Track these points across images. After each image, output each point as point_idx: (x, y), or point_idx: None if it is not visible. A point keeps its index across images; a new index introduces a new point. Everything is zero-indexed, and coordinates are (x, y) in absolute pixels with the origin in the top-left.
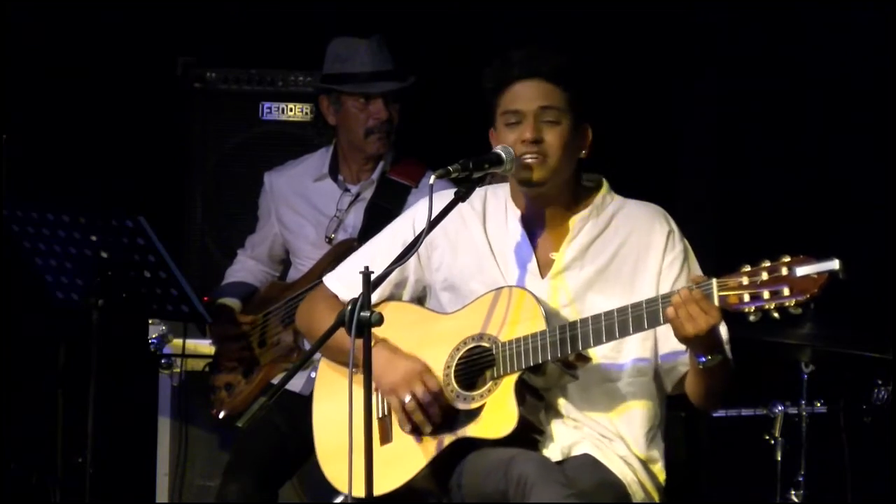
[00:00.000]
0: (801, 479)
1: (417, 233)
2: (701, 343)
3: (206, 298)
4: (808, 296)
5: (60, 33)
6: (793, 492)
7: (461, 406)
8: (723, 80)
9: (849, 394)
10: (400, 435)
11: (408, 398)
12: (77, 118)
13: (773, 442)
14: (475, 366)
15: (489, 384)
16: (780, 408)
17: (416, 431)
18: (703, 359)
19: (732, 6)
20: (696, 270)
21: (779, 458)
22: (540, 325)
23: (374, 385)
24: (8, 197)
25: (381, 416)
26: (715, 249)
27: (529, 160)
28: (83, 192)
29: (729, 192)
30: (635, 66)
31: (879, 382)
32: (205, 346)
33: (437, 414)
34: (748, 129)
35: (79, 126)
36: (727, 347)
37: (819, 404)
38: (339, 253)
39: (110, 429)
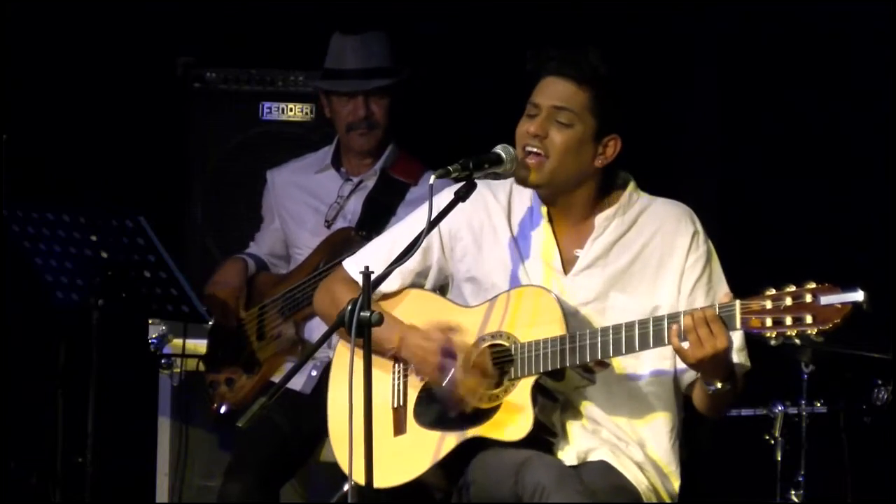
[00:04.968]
0: (801, 479)
1: (436, 226)
2: (709, 370)
3: None
4: (831, 325)
5: (60, 33)
6: (793, 492)
7: (477, 404)
8: (724, 79)
9: (849, 394)
10: (414, 427)
11: (446, 381)
12: (77, 118)
13: (773, 442)
14: (493, 363)
15: (506, 384)
16: (780, 408)
17: (445, 418)
18: (713, 388)
19: (734, 4)
20: (718, 273)
21: (779, 458)
22: (560, 329)
23: (404, 369)
24: (8, 197)
25: (396, 406)
26: (717, 251)
27: (530, 154)
28: (83, 192)
29: (730, 193)
30: (635, 65)
31: (879, 382)
32: (204, 346)
33: (476, 386)
34: (750, 127)
35: (79, 126)
36: (744, 354)
37: (819, 404)
38: (335, 242)
39: (110, 429)
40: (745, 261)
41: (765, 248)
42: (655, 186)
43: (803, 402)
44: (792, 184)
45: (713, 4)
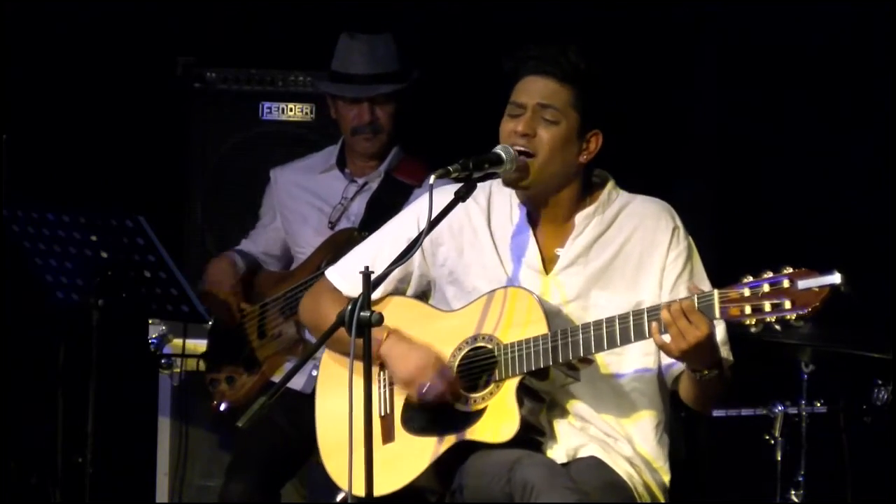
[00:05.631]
0: (801, 479)
1: (422, 229)
2: (695, 359)
3: None
4: (810, 309)
5: (60, 33)
6: (793, 492)
7: (463, 408)
8: (726, 79)
9: (849, 394)
10: (402, 434)
11: (424, 389)
12: (77, 118)
13: (773, 442)
14: (477, 367)
15: (491, 387)
16: (780, 408)
17: (433, 424)
18: (700, 375)
19: (735, 4)
20: (699, 269)
21: (779, 458)
22: (542, 329)
23: (389, 377)
24: (8, 197)
25: (383, 414)
26: (714, 249)
27: (519, 153)
28: (83, 192)
29: (729, 192)
30: (635, 64)
31: (879, 382)
32: (204, 346)
33: (455, 395)
34: (750, 128)
35: (79, 126)
36: (727, 348)
37: (819, 404)
38: (338, 242)
39: (110, 429)
40: (744, 260)
41: (763, 248)
42: (655, 186)
43: (803, 402)
44: (791, 183)
45: (714, 4)
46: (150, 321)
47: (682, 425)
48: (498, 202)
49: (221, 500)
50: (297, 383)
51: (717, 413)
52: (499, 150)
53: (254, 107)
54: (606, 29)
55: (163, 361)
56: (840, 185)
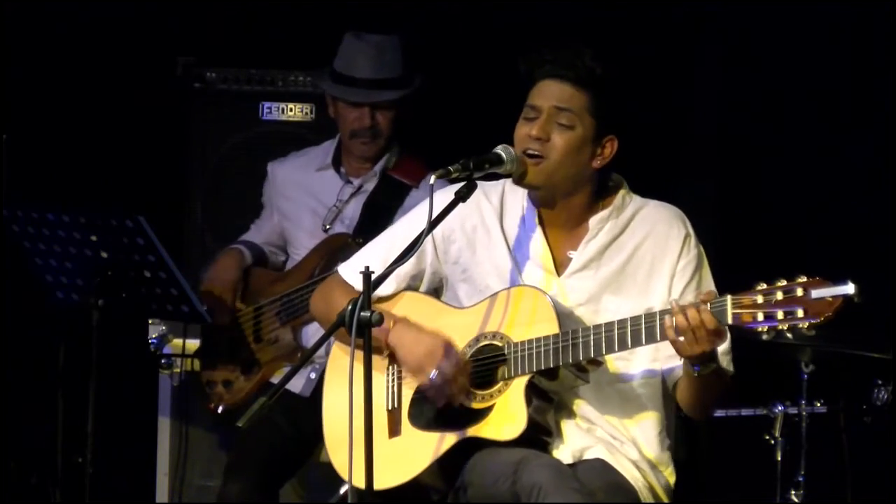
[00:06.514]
0: (801, 479)
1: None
2: (697, 358)
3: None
4: (822, 318)
5: (60, 33)
6: (793, 492)
7: (470, 404)
8: (726, 79)
9: (849, 394)
10: (409, 429)
11: (434, 374)
12: (77, 118)
13: (773, 442)
14: (487, 364)
15: (500, 384)
16: (780, 408)
17: (439, 420)
18: (698, 367)
19: (735, 4)
20: (708, 278)
21: (779, 458)
22: (553, 329)
23: (398, 370)
24: (8, 197)
25: (391, 408)
26: (714, 249)
27: (532, 157)
28: (83, 192)
29: (729, 192)
30: (635, 65)
31: (879, 382)
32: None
33: (464, 385)
34: (750, 128)
35: (79, 126)
36: (728, 358)
37: (819, 404)
38: (332, 246)
39: (110, 429)
40: (745, 261)
41: (764, 249)
42: (655, 186)
43: (803, 402)
44: (791, 183)
45: (714, 4)
46: (150, 321)
47: (682, 425)
48: (511, 202)
49: (220, 501)
50: (295, 386)
51: (717, 413)
52: (499, 150)
53: (254, 107)
54: (606, 29)
55: (163, 361)
56: (840, 185)
